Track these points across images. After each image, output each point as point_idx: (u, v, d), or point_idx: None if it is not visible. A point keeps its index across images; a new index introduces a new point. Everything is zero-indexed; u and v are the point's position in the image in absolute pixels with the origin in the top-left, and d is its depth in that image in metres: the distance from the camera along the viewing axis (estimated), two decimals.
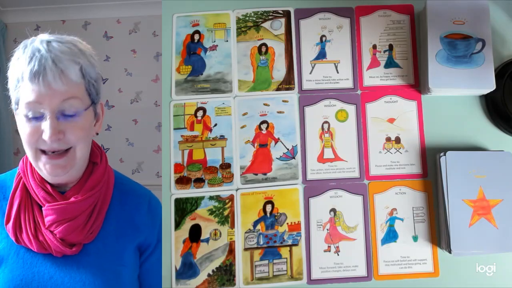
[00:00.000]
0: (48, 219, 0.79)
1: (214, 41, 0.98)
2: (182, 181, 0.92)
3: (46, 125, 0.75)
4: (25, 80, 0.75)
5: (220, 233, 0.91)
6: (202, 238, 0.90)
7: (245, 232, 0.91)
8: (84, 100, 0.80)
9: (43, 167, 0.79)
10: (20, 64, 0.77)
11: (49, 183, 0.83)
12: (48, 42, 0.78)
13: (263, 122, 0.94)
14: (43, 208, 0.80)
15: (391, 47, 0.97)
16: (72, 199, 0.81)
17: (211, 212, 0.91)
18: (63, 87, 0.75)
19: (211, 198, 0.92)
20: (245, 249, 0.90)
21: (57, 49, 0.77)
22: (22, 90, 0.76)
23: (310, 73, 0.96)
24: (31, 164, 0.83)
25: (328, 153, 0.94)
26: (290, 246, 0.91)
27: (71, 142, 0.79)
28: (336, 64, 0.97)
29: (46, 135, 0.75)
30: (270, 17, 0.98)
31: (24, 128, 0.77)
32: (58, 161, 0.78)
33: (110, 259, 0.83)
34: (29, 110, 0.76)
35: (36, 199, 0.82)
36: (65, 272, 0.80)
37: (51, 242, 0.79)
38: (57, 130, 0.76)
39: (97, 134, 0.87)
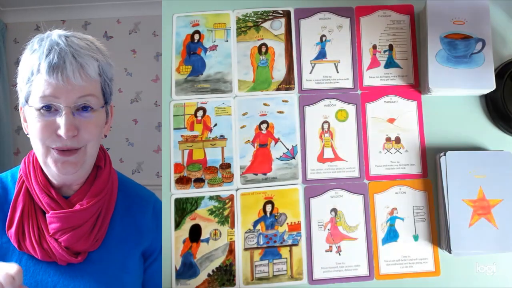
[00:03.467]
0: (52, 226, 0.77)
1: (214, 41, 0.98)
2: (182, 181, 0.92)
3: (61, 121, 0.73)
4: (42, 73, 0.73)
5: (220, 233, 0.91)
6: (202, 238, 0.90)
7: (245, 232, 0.91)
8: (99, 99, 0.79)
9: (53, 164, 0.76)
10: (35, 57, 0.74)
11: (53, 187, 0.80)
12: (67, 36, 0.76)
13: (263, 122, 0.94)
14: (47, 215, 0.78)
15: (391, 47, 0.97)
16: (77, 206, 0.78)
17: (211, 212, 0.91)
18: (82, 83, 0.74)
19: (211, 198, 0.92)
20: (245, 249, 0.90)
21: (76, 43, 0.75)
22: (36, 84, 0.74)
23: (310, 73, 0.96)
24: (34, 167, 0.81)
25: (328, 153, 0.94)
26: (290, 246, 0.91)
27: (84, 141, 0.77)
28: (336, 64, 0.97)
29: (62, 131, 0.73)
30: (270, 17, 0.98)
31: (35, 123, 0.75)
32: (69, 157, 0.76)
33: (114, 266, 0.81)
34: (44, 104, 0.73)
35: (40, 205, 0.79)
36: (69, 280, 0.78)
37: (56, 251, 0.76)
38: (73, 125, 0.74)
39: (105, 136, 0.85)
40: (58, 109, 0.74)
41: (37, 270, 0.78)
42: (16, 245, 0.78)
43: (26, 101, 0.77)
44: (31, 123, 0.76)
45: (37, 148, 0.77)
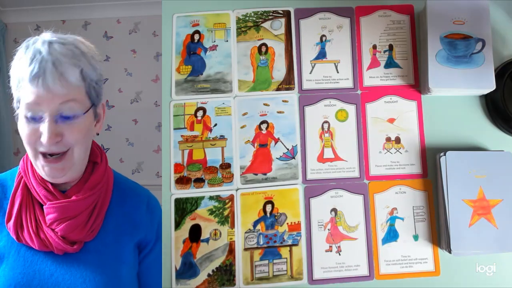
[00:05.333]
0: (49, 217, 0.80)
1: (214, 41, 0.98)
2: (182, 181, 0.92)
3: (44, 128, 0.76)
4: (26, 81, 0.75)
5: (220, 233, 0.91)
6: (202, 238, 0.90)
7: (245, 232, 0.91)
8: (83, 103, 0.80)
9: (42, 168, 0.80)
10: (21, 65, 0.77)
11: (50, 181, 0.83)
12: (50, 43, 0.78)
13: (263, 122, 0.94)
14: (44, 207, 0.81)
15: (391, 47, 0.97)
16: (74, 197, 0.82)
17: (211, 212, 0.91)
18: (62, 90, 0.76)
19: (211, 198, 0.92)
20: (245, 249, 0.90)
21: (58, 51, 0.77)
22: (22, 91, 0.77)
23: (310, 73, 0.96)
24: (31, 163, 0.84)
25: (328, 153, 0.94)
26: (290, 246, 0.91)
27: (69, 144, 0.79)
28: (336, 64, 0.97)
29: (44, 138, 0.76)
30: (270, 17, 0.98)
31: (23, 129, 0.78)
32: (55, 164, 0.79)
33: (110, 257, 0.84)
34: (29, 111, 0.76)
35: (37, 197, 0.82)
36: (66, 269, 0.81)
37: (53, 240, 0.79)
38: (54, 133, 0.76)
39: (98, 134, 0.87)
40: (42, 116, 0.76)
41: (35, 260, 0.81)
42: (14, 237, 0.81)
43: (17, 106, 0.80)
44: (20, 128, 0.79)
45: (28, 151, 0.80)
